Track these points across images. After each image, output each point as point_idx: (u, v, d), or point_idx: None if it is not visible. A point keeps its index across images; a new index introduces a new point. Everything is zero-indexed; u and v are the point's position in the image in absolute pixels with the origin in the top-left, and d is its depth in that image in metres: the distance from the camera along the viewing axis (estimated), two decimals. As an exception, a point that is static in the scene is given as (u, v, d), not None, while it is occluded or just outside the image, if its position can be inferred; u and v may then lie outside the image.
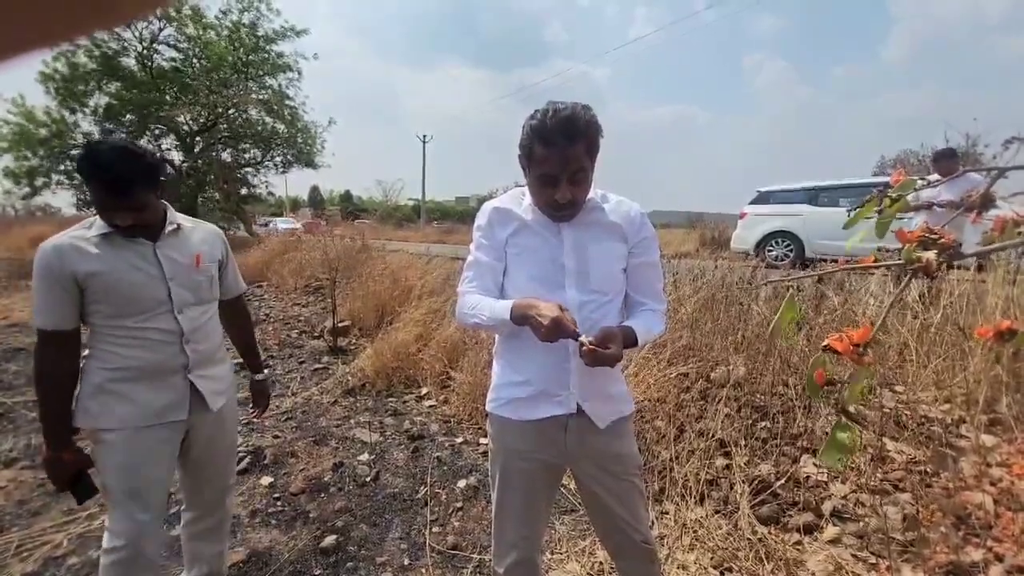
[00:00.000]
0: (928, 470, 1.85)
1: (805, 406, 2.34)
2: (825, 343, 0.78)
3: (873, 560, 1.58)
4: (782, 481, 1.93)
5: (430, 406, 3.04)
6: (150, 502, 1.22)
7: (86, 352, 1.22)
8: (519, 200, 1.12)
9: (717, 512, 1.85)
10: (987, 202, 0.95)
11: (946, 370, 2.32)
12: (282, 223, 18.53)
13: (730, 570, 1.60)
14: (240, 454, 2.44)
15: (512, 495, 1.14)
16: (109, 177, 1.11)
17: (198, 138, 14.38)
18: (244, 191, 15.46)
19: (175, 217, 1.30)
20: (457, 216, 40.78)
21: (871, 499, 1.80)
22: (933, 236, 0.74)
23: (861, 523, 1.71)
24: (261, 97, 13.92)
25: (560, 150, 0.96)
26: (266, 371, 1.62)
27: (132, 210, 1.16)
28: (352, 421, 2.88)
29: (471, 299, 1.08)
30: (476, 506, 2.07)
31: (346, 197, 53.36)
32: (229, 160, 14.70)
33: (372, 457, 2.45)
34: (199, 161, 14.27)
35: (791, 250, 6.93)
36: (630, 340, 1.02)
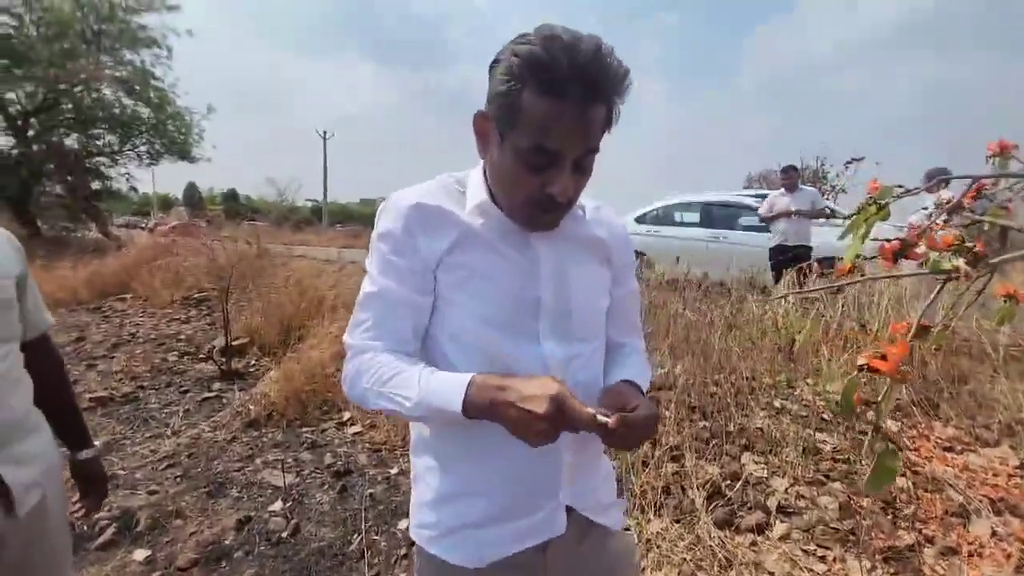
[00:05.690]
0: (851, 458, 2.02)
1: (737, 404, 2.46)
2: (862, 362, 0.73)
3: (820, 553, 1.65)
4: (729, 482, 1.97)
5: (355, 433, 2.69)
6: None
7: None
8: (457, 195, 0.70)
9: (677, 521, 1.82)
10: (957, 209, 0.99)
11: (848, 362, 2.60)
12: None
13: (698, 582, 1.56)
14: (102, 522, 1.89)
15: None
16: None
17: (33, 119, 11.80)
18: (97, 185, 13.01)
19: None
20: (362, 219, 39.22)
21: (808, 491, 1.91)
22: (967, 245, 0.73)
23: (803, 516, 1.79)
24: (117, 74, 11.81)
25: (578, 109, 0.57)
26: (98, 443, 1.11)
27: None
28: (258, 461, 2.42)
29: (377, 362, 0.64)
30: (422, 550, 1.82)
31: (231, 196, 47.94)
32: (75, 147, 12.26)
33: (288, 505, 2.06)
34: (34, 147, 11.69)
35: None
36: None
